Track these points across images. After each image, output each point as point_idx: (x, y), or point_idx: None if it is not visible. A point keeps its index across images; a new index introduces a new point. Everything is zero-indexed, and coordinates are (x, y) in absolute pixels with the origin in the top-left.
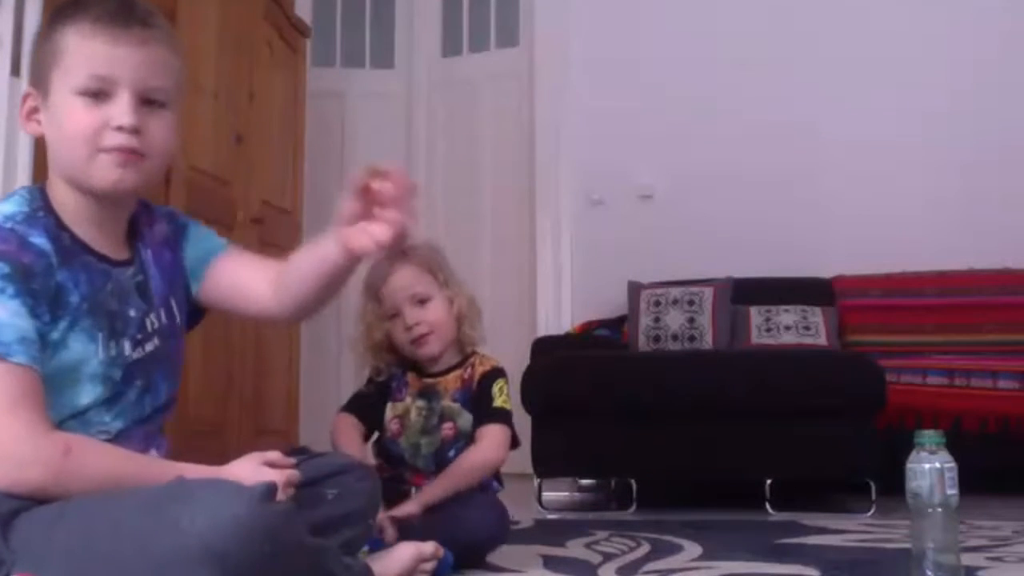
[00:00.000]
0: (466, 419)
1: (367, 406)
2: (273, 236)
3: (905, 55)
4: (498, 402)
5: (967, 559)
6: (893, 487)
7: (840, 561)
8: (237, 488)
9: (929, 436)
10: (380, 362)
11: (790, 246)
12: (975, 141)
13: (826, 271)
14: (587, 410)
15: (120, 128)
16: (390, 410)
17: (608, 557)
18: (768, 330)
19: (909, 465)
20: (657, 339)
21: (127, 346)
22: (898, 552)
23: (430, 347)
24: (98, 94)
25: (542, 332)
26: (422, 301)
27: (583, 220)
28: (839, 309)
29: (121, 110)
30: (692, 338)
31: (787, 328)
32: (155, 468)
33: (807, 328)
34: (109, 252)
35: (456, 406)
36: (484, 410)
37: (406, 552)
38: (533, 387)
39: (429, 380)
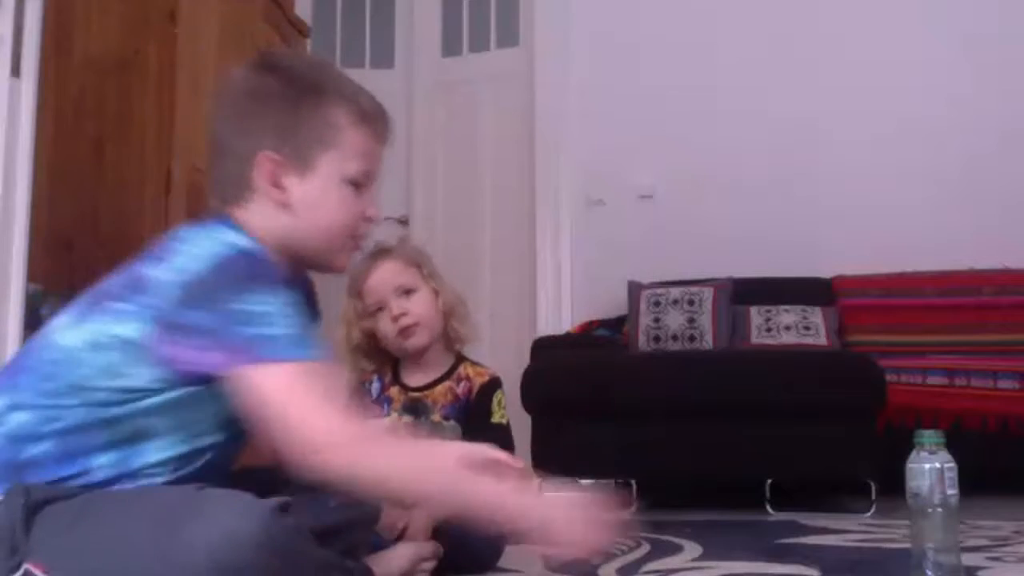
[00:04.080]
0: (455, 431)
1: None
2: None
3: (905, 56)
4: (496, 417)
5: (967, 559)
6: (893, 487)
7: (840, 561)
8: (250, 503)
9: (929, 436)
10: (358, 368)
11: (790, 246)
12: (975, 141)
13: (826, 271)
14: (587, 410)
15: (370, 219)
16: None
17: (608, 557)
18: (768, 330)
19: (909, 465)
20: (657, 339)
21: None
22: (898, 552)
23: (417, 338)
24: (358, 187)
25: (542, 332)
26: (407, 292)
27: (583, 220)
28: (839, 309)
29: (373, 202)
30: (692, 338)
31: (787, 328)
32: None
33: (807, 328)
34: None
35: (447, 423)
36: (481, 425)
37: (406, 552)
38: (533, 387)
39: (415, 394)
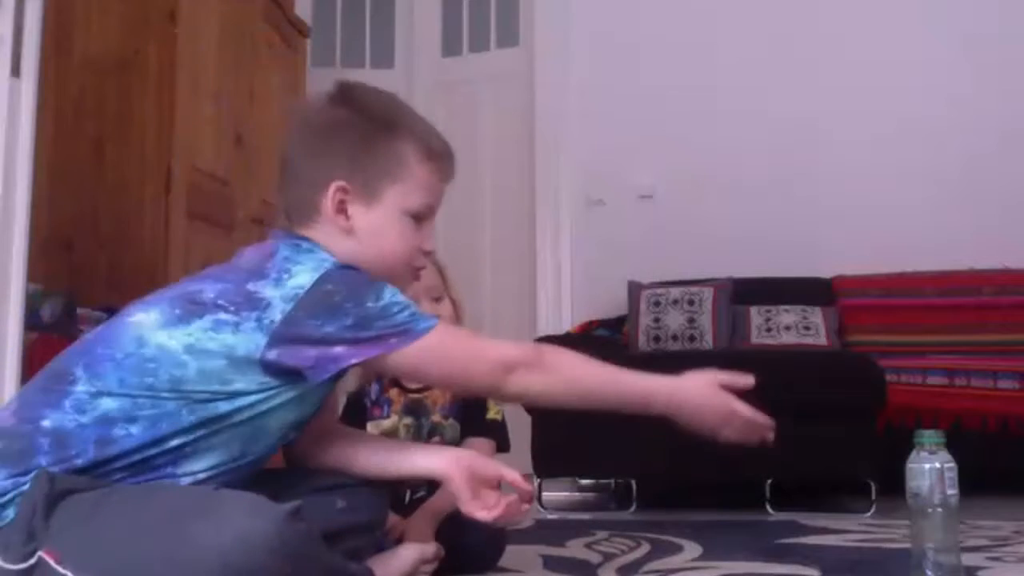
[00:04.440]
0: (454, 430)
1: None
2: None
3: (905, 56)
4: (491, 413)
5: (967, 559)
6: (893, 487)
7: (840, 561)
8: (263, 506)
9: (929, 436)
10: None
11: (790, 246)
12: (975, 141)
13: (826, 271)
14: (587, 410)
15: (427, 253)
16: (373, 428)
17: (608, 557)
18: (768, 330)
19: (909, 465)
20: (657, 339)
21: None
22: (898, 552)
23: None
24: (419, 220)
25: (542, 332)
26: (437, 299)
27: (583, 220)
28: (839, 309)
29: (431, 237)
30: (692, 338)
31: (787, 328)
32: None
33: (807, 328)
34: None
35: (446, 422)
36: (476, 420)
37: (408, 554)
38: None
39: (415, 395)
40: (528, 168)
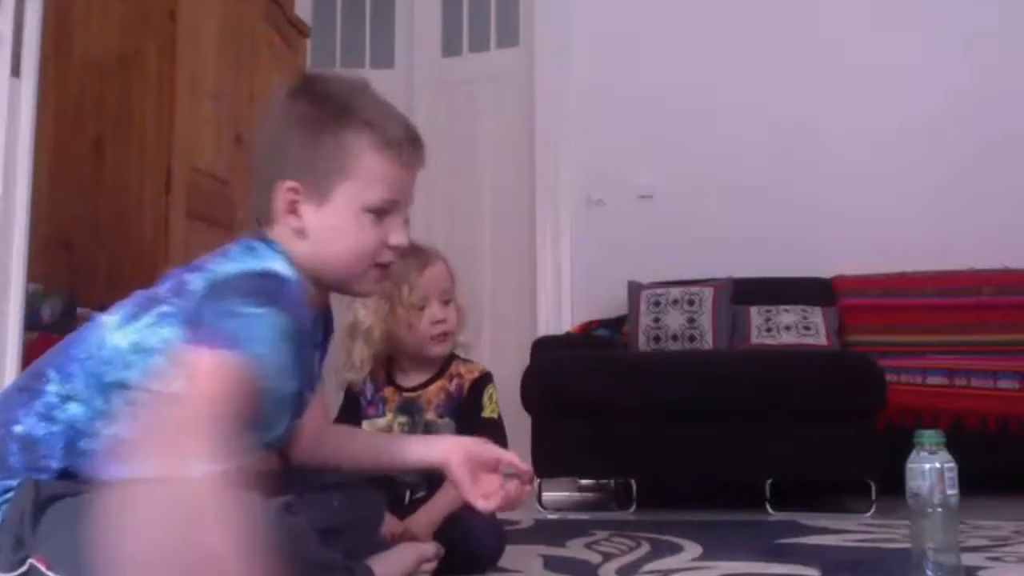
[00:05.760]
0: (449, 429)
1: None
2: None
3: (905, 56)
4: (487, 411)
5: (967, 559)
6: (893, 487)
7: (840, 561)
8: (253, 501)
9: (929, 436)
10: (357, 365)
11: (790, 246)
12: (975, 141)
13: (826, 271)
14: (587, 410)
15: (395, 248)
16: (368, 427)
17: (608, 557)
18: (768, 330)
19: (909, 465)
20: (657, 339)
21: (291, 425)
22: (898, 552)
23: (444, 346)
24: (381, 216)
25: (542, 332)
26: (446, 302)
27: (583, 220)
28: (839, 309)
29: (399, 230)
30: (692, 338)
31: (787, 328)
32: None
33: (807, 328)
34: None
35: (441, 420)
36: (473, 420)
37: (407, 553)
38: (533, 387)
39: (409, 394)
40: (528, 168)
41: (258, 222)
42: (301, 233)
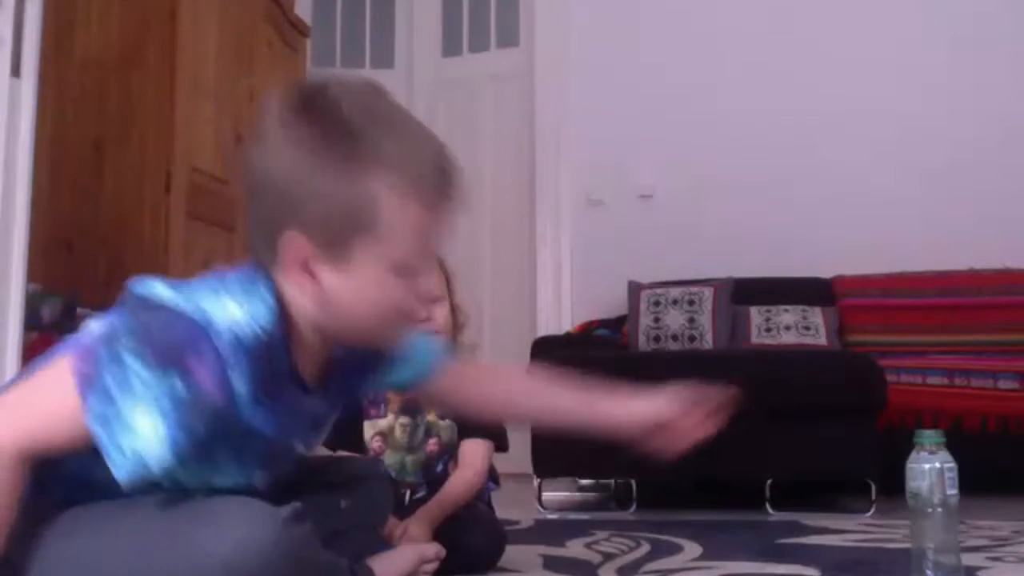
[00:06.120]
0: (451, 430)
1: (342, 432)
2: None
3: (905, 56)
4: None
5: (967, 559)
6: (893, 487)
7: (840, 561)
8: (264, 511)
9: (929, 436)
10: None
11: (790, 246)
12: (975, 141)
13: (826, 271)
14: None
15: (424, 299)
16: (369, 428)
17: (608, 557)
18: (768, 330)
19: (909, 465)
20: (657, 339)
21: (266, 475)
22: (898, 552)
23: (429, 325)
24: (411, 269)
25: (542, 332)
26: (435, 299)
27: (583, 220)
28: (839, 309)
29: (431, 281)
30: (692, 338)
31: (787, 328)
32: None
33: (807, 328)
34: (310, 381)
35: (442, 422)
36: (471, 421)
37: (408, 554)
38: None
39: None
40: (528, 168)
41: (255, 254)
42: (319, 299)
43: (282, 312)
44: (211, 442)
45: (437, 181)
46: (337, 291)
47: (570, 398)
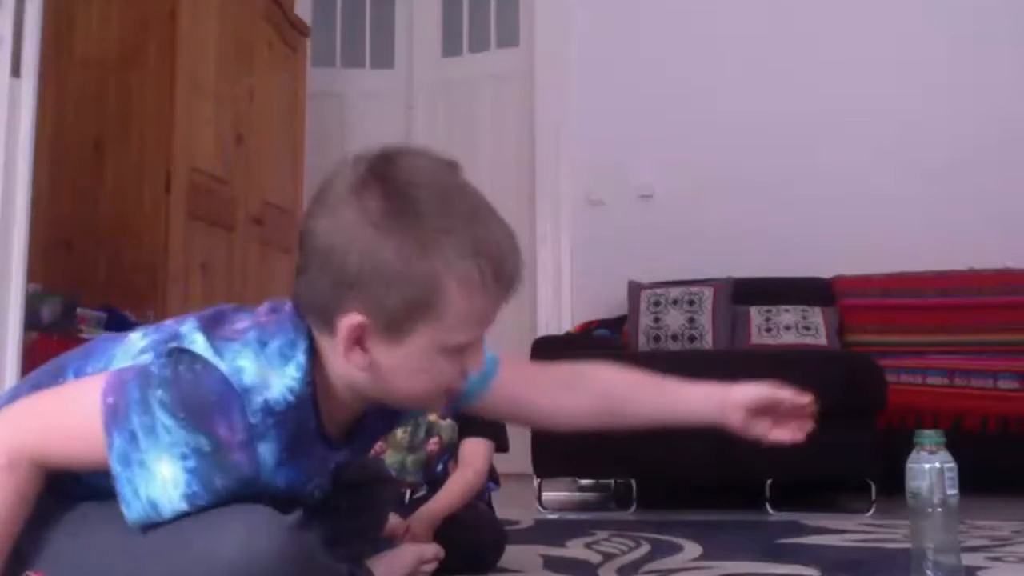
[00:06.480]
0: (452, 430)
1: None
2: (273, 236)
3: (905, 56)
4: None
5: (967, 559)
6: (893, 487)
7: (840, 561)
8: (269, 518)
9: (929, 436)
10: None
11: (790, 246)
12: (976, 141)
13: (826, 271)
14: None
15: (469, 374)
16: None
17: (608, 557)
18: (768, 330)
19: (909, 465)
20: (657, 339)
21: None
22: (898, 552)
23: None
24: (463, 349)
25: (542, 332)
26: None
27: (583, 220)
28: (839, 309)
29: (480, 359)
30: (692, 338)
31: (787, 328)
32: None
33: (807, 328)
34: (336, 433)
35: (442, 422)
36: (475, 421)
37: (407, 554)
38: None
39: None
40: (528, 168)
41: (305, 313)
42: (367, 370)
43: (315, 374)
44: (226, 495)
45: (502, 272)
46: (386, 365)
47: (652, 390)
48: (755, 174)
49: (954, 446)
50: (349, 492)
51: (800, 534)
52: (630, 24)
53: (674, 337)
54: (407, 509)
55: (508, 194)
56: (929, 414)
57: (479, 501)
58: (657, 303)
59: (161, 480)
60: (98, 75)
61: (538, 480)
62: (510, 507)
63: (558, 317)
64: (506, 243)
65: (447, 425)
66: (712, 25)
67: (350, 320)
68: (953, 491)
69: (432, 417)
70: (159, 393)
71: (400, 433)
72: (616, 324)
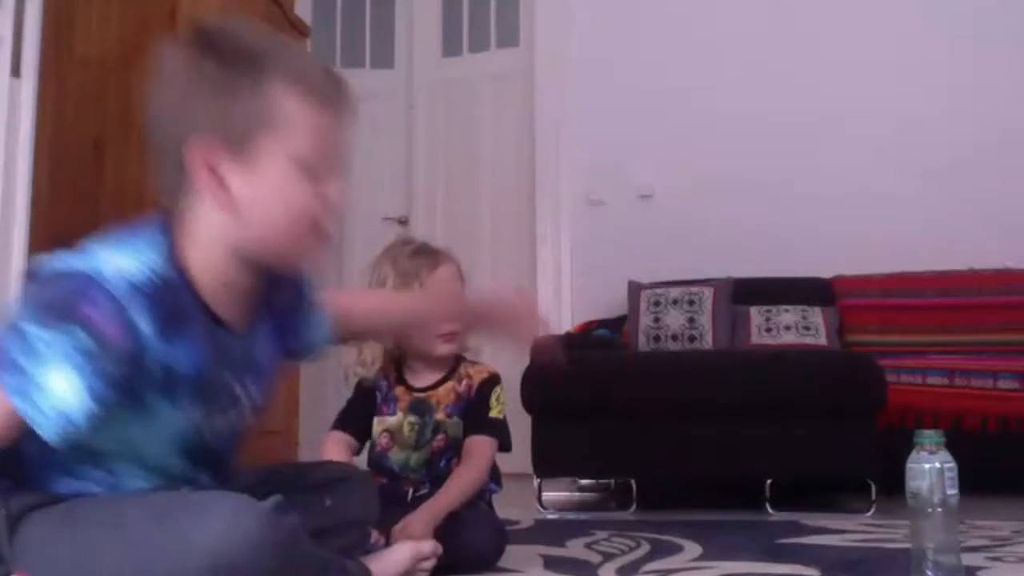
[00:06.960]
0: (457, 428)
1: (359, 419)
2: None
3: (905, 56)
4: (494, 411)
5: (967, 559)
6: (893, 487)
7: (840, 561)
8: (247, 503)
9: (929, 436)
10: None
11: (790, 246)
12: (976, 141)
13: (826, 271)
14: (587, 410)
15: (332, 206)
16: (378, 424)
17: (608, 557)
18: (768, 330)
19: (909, 465)
20: (657, 339)
21: (208, 414)
22: (898, 552)
23: (453, 346)
24: (315, 170)
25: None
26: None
27: (583, 220)
28: (839, 309)
29: (340, 192)
30: (692, 338)
31: (787, 328)
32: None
33: (807, 328)
34: (232, 320)
35: (450, 420)
36: (478, 419)
37: (404, 551)
38: (533, 387)
39: (419, 395)
40: (528, 168)
41: (170, 202)
42: (230, 207)
43: (186, 255)
44: (131, 384)
45: (328, 83)
46: (247, 196)
47: (393, 299)
48: (755, 174)
49: (954, 446)
50: (329, 491)
51: (800, 534)
52: (630, 24)
53: (674, 337)
54: (409, 506)
55: (508, 194)
56: (929, 414)
57: (480, 500)
58: (657, 303)
59: (60, 391)
60: (98, 75)
61: (538, 480)
62: (510, 507)
63: (558, 317)
64: (326, 67)
65: (453, 423)
66: (712, 25)
67: (191, 144)
68: (953, 491)
69: (439, 416)
70: (24, 314)
71: (407, 432)
72: (616, 324)
